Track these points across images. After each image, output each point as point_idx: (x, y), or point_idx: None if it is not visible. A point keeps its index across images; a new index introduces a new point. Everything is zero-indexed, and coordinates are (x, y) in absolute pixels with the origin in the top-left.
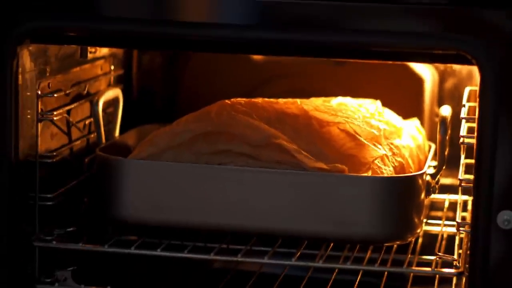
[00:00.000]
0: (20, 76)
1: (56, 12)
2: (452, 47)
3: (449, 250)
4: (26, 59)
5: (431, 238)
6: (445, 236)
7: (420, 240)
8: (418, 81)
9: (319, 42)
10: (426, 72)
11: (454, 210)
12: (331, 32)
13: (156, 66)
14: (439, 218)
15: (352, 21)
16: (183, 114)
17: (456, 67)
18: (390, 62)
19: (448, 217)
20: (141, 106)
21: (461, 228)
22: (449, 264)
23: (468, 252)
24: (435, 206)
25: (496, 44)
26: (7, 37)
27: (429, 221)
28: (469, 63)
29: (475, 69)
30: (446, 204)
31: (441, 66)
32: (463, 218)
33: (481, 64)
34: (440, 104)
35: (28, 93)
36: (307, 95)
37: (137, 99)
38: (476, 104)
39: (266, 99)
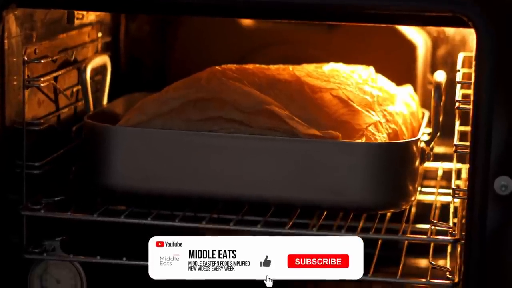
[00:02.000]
0: (6, 41)
1: None
2: (448, 9)
3: (443, 219)
4: (11, 24)
5: (424, 207)
6: (438, 205)
7: (413, 209)
8: (410, 48)
9: (311, 4)
10: (419, 38)
11: (448, 179)
12: None
13: (144, 34)
14: (433, 187)
15: None
16: (172, 81)
17: (449, 33)
18: (384, 25)
19: (442, 186)
20: (129, 74)
21: (456, 195)
22: (444, 233)
23: (464, 220)
24: (428, 175)
25: (493, 6)
26: None
27: (423, 189)
28: (465, 25)
29: (468, 35)
30: (440, 173)
31: (434, 32)
32: (458, 186)
33: (478, 27)
34: (433, 70)
35: (14, 59)
36: (298, 62)
37: (125, 67)
38: (472, 70)
39: (258, 65)
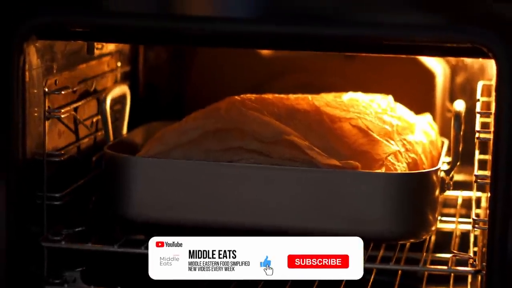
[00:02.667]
0: (27, 73)
1: (62, 7)
2: (468, 40)
3: (463, 248)
4: (32, 56)
5: (444, 236)
6: (458, 233)
7: (433, 237)
8: (429, 76)
9: (329, 35)
10: (437, 66)
11: (467, 207)
12: (341, 25)
13: (162, 62)
14: (452, 215)
15: (365, 14)
16: (190, 110)
17: (468, 61)
18: (403, 56)
19: (461, 214)
20: (147, 102)
21: (476, 226)
22: (463, 262)
23: (484, 249)
24: (448, 203)
25: None
26: (13, 33)
27: (442, 218)
28: (485, 56)
29: (487, 63)
30: (459, 201)
31: (453, 61)
32: (477, 215)
33: (498, 57)
34: (451, 99)
35: (35, 91)
36: (316, 90)
37: (143, 96)
38: (490, 99)
39: (277, 95)
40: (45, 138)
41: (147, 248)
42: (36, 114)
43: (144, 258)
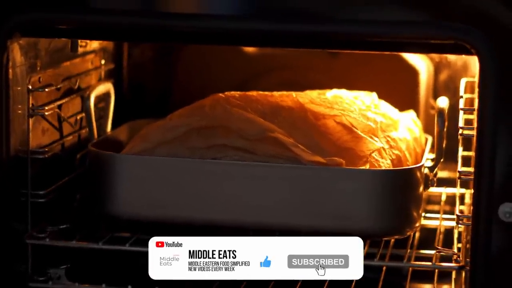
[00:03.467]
0: (10, 70)
1: (46, 5)
2: (451, 36)
3: (447, 244)
4: (16, 53)
5: (428, 232)
6: (442, 230)
7: (417, 234)
8: (413, 73)
9: (313, 33)
10: (421, 64)
11: (451, 204)
12: (325, 22)
13: (147, 60)
14: (436, 212)
15: (348, 10)
16: (175, 108)
17: (451, 58)
18: (387, 52)
19: (445, 210)
20: (132, 100)
21: (460, 222)
22: (448, 258)
23: (468, 245)
24: (432, 199)
25: (495, 33)
26: None
27: (426, 214)
28: (468, 53)
29: (470, 60)
30: (443, 198)
31: (436, 58)
32: (461, 211)
33: (481, 54)
34: (435, 96)
35: (19, 88)
36: (300, 87)
37: (128, 94)
38: (475, 95)
39: (261, 92)
40: (29, 135)
41: (131, 245)
42: (19, 112)
43: (129, 255)
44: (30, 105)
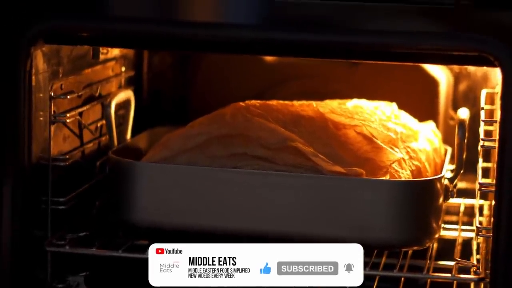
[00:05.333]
0: (33, 77)
1: (69, 12)
2: (474, 48)
3: (465, 255)
4: (39, 60)
5: (446, 243)
6: (460, 241)
7: (435, 245)
8: (433, 84)
9: (334, 43)
10: (441, 74)
11: (469, 215)
12: (346, 33)
13: (166, 67)
14: (454, 223)
15: (371, 21)
16: (194, 116)
17: (471, 69)
18: (409, 63)
19: (464, 221)
20: (151, 108)
21: (480, 233)
22: (466, 270)
23: (488, 257)
24: (450, 210)
25: None
26: (21, 37)
27: (445, 225)
28: (491, 64)
29: (490, 71)
30: (462, 209)
31: (456, 69)
32: (480, 223)
33: (504, 66)
34: (455, 106)
35: (41, 95)
36: (320, 97)
37: (147, 101)
38: (495, 107)
39: (281, 101)
40: (51, 142)
41: None
42: (41, 119)
43: (147, 263)
44: (52, 112)
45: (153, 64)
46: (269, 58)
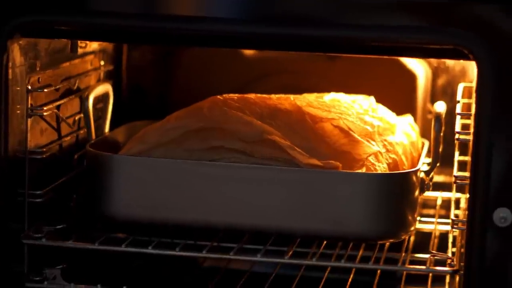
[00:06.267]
0: (10, 71)
1: (47, 6)
2: (449, 42)
3: (442, 248)
4: (16, 54)
5: (423, 236)
6: (437, 234)
7: (412, 238)
8: (411, 77)
9: (312, 36)
10: (419, 68)
11: (446, 208)
12: (325, 26)
13: (146, 61)
14: (431, 216)
15: (348, 15)
16: (174, 109)
17: (449, 63)
18: (386, 57)
19: (441, 215)
20: (131, 102)
21: (455, 226)
22: (443, 262)
23: (463, 250)
24: (427, 203)
25: (494, 39)
26: None
27: (422, 218)
28: (466, 58)
29: (468, 65)
30: (439, 202)
31: (434, 63)
32: (456, 216)
33: (479, 59)
34: (433, 100)
35: (18, 88)
36: (299, 91)
37: (127, 95)
38: (472, 100)
39: (259, 95)
40: (27, 135)
41: (127, 246)
42: (18, 112)
43: (125, 256)
44: (29, 105)
45: (132, 58)
46: (249, 53)
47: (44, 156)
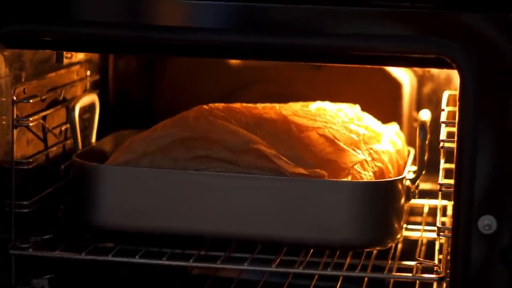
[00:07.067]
0: None
1: (31, 17)
2: (431, 51)
3: (429, 255)
4: (1, 65)
5: (410, 244)
6: (424, 241)
7: (399, 245)
8: (396, 86)
9: (297, 46)
10: (404, 76)
11: (433, 215)
12: (309, 36)
13: (132, 71)
14: (418, 224)
15: (331, 25)
16: (160, 119)
17: (434, 71)
18: (369, 66)
19: (428, 222)
20: (117, 111)
21: (441, 233)
22: (430, 270)
23: (449, 257)
24: (414, 211)
25: (475, 47)
26: None
27: (409, 226)
28: (449, 66)
29: (453, 74)
30: (426, 209)
31: (419, 71)
32: (443, 223)
33: (461, 68)
34: (418, 108)
35: (3, 99)
36: (284, 100)
37: (113, 105)
38: (456, 108)
39: (245, 104)
40: (13, 146)
41: (114, 255)
42: (4, 122)
43: (112, 265)
44: (15, 116)
45: (119, 68)
46: (234, 62)
47: (30, 166)
